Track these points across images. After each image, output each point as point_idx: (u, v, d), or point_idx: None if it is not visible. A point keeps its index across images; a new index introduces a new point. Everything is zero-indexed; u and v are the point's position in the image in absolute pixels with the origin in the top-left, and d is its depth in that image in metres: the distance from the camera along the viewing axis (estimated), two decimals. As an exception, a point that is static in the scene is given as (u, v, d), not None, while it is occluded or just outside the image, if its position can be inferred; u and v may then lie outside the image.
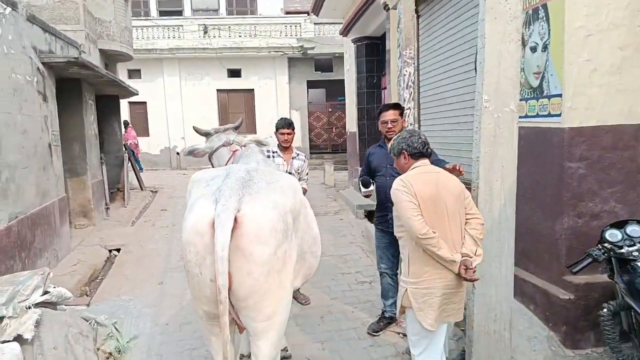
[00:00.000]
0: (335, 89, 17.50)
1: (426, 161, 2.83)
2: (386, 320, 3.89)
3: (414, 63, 4.64)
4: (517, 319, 3.66)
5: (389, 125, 3.67)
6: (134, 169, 11.63)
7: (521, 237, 3.60)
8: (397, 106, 3.80)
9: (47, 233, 5.39)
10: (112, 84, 8.52)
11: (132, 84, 17.74)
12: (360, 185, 3.80)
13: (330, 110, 18.70)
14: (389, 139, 3.52)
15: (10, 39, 4.77)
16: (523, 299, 4.02)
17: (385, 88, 9.10)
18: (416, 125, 5.39)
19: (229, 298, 1.96)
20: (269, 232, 2.01)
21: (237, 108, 17.89)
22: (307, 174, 4.47)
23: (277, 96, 17.59)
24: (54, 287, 3.71)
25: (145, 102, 17.64)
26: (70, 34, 7.59)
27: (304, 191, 4.42)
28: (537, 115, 3.86)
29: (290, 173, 4.29)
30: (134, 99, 17.65)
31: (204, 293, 2.04)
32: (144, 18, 17.29)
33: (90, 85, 8.00)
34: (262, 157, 3.25)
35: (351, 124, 11.25)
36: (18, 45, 4.98)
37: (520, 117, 3.97)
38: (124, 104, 17.36)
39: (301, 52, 16.94)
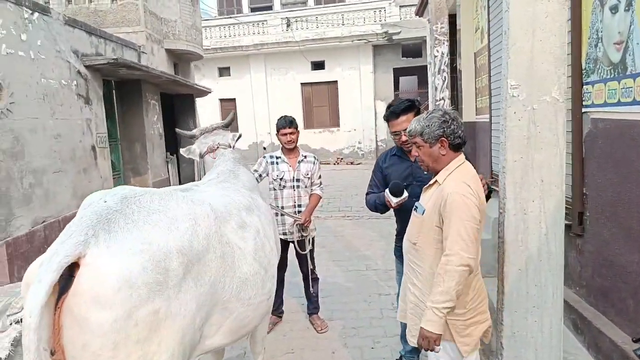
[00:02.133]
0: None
1: (463, 156, 2.12)
2: (403, 370, 3.10)
3: (446, 41, 3.65)
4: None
5: (403, 139, 2.65)
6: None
7: (598, 271, 2.62)
8: (409, 108, 2.64)
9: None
10: (177, 84, 8.60)
11: (223, 81, 18.46)
12: (388, 195, 2.60)
13: (419, 98, 17.39)
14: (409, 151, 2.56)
15: (39, 44, 4.79)
16: (598, 357, 2.94)
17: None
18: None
19: None
20: (114, 289, 1.44)
21: (321, 101, 17.54)
22: (319, 177, 3.81)
23: (360, 87, 16.84)
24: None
25: (234, 99, 18.12)
26: (131, 35, 7.74)
27: (317, 199, 3.78)
28: (619, 103, 2.73)
29: (298, 180, 3.67)
30: (224, 96, 18.39)
31: None
32: (227, 16, 17.67)
33: (153, 86, 8.11)
34: (229, 167, 2.68)
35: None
36: (50, 50, 5.00)
37: (596, 105, 2.89)
38: (214, 101, 18.11)
39: (386, 39, 15.95)
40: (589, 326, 2.99)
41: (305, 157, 3.75)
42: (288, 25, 16.81)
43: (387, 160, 2.94)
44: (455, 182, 1.95)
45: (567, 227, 3.40)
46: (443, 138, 2.02)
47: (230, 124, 3.26)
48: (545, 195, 2.21)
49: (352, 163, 16.19)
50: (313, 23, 16.78)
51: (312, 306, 3.91)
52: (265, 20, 17.11)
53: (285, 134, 3.61)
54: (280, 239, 3.65)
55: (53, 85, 5.02)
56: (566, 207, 3.44)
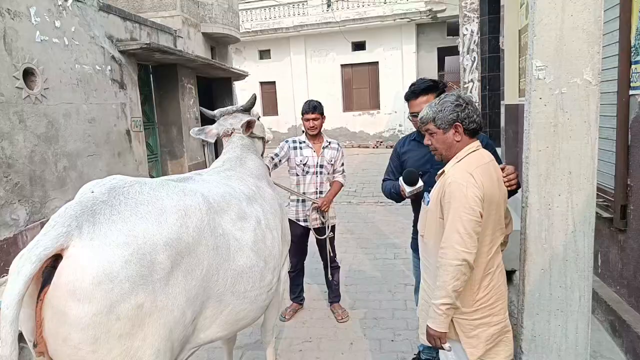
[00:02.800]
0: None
1: (479, 143, 1.96)
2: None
3: (476, 18, 3.36)
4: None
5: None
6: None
7: None
8: (430, 89, 2.43)
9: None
10: (213, 67, 8.64)
11: (263, 64, 18.47)
12: (402, 183, 2.45)
13: (448, 81, 16.70)
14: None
15: (73, 31, 4.90)
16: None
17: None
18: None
19: None
20: (94, 282, 1.40)
21: (361, 83, 17.21)
22: (342, 164, 3.69)
23: (402, 67, 16.36)
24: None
25: (274, 82, 18.13)
26: (168, 20, 7.82)
27: (339, 186, 3.67)
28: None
29: (321, 166, 3.56)
30: (264, 79, 18.42)
31: None
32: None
33: (189, 70, 8.19)
34: (237, 154, 2.60)
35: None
36: (84, 36, 5.11)
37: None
38: (255, 84, 18.19)
39: (430, 17, 15.34)
40: (628, 330, 2.74)
41: (329, 143, 3.64)
42: (328, 6, 16.51)
43: (406, 145, 2.75)
44: (459, 170, 1.80)
45: (609, 221, 3.11)
46: (457, 123, 1.87)
47: (251, 108, 3.11)
48: (573, 188, 1.99)
49: (391, 147, 15.80)
50: (354, 2, 16.37)
51: (333, 295, 3.84)
52: (306, 1, 16.88)
53: (308, 120, 3.51)
54: (300, 225, 3.60)
55: (87, 71, 5.13)
56: (608, 200, 3.17)
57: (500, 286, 2.00)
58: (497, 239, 1.96)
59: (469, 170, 1.77)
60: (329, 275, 3.76)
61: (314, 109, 3.51)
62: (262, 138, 2.98)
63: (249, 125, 2.71)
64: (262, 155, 3.03)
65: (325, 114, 3.64)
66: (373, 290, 4.31)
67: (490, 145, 2.25)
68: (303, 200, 3.59)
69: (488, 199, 1.77)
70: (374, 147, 15.96)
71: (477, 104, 3.19)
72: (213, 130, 2.89)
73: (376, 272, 4.77)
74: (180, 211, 1.71)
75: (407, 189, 2.41)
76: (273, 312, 2.70)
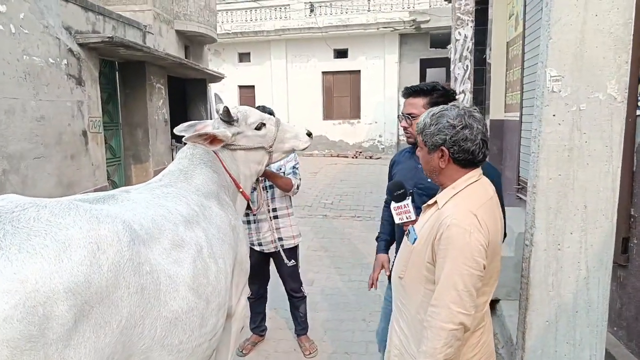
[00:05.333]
0: (453, 68, 15.37)
1: (480, 171, 1.54)
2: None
3: (471, 22, 3.03)
4: None
5: (402, 123, 2.14)
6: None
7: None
8: (422, 92, 2.10)
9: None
10: (186, 67, 8.16)
11: (243, 67, 18.00)
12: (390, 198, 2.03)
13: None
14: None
15: (22, 18, 4.39)
16: None
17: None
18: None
19: None
20: None
21: (342, 91, 16.90)
22: (293, 167, 3.05)
23: (384, 77, 16.11)
24: None
25: (253, 86, 17.67)
26: (138, 14, 7.33)
27: (289, 181, 2.97)
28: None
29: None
30: (243, 82, 17.94)
31: None
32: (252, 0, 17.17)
33: (159, 68, 7.69)
34: (183, 166, 2.10)
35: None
36: (35, 25, 4.60)
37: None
38: (234, 88, 17.69)
39: (414, 27, 15.16)
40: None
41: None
42: (311, 10, 16.20)
43: (399, 156, 2.37)
44: (459, 209, 1.39)
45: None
46: (443, 147, 1.45)
47: (228, 120, 2.49)
48: (588, 226, 1.64)
49: (371, 157, 15.53)
50: (337, 9, 16.11)
51: (300, 327, 3.38)
52: (288, 5, 16.53)
53: None
54: (255, 250, 3.09)
55: (38, 63, 4.62)
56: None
57: (490, 343, 1.63)
58: (493, 287, 1.58)
59: (471, 209, 1.37)
60: (296, 308, 3.32)
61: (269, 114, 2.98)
62: (262, 148, 2.35)
63: (212, 141, 2.18)
64: (266, 166, 2.48)
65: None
66: (346, 318, 3.90)
67: (491, 172, 1.74)
68: (255, 221, 3.08)
69: (492, 246, 1.39)
70: (353, 157, 15.62)
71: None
72: (208, 127, 2.30)
73: (350, 296, 4.37)
74: (91, 244, 1.27)
75: (392, 206, 1.89)
76: (224, 353, 2.27)
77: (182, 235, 1.66)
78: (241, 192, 2.33)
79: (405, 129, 2.14)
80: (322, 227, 6.89)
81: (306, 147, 2.55)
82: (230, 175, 2.25)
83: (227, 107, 2.22)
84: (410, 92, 2.13)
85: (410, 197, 1.90)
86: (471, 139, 1.41)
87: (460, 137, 1.41)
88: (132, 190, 1.79)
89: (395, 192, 1.89)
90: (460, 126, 1.41)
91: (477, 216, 1.35)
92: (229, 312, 2.14)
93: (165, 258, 1.55)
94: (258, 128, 2.31)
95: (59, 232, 1.24)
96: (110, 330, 1.30)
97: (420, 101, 2.07)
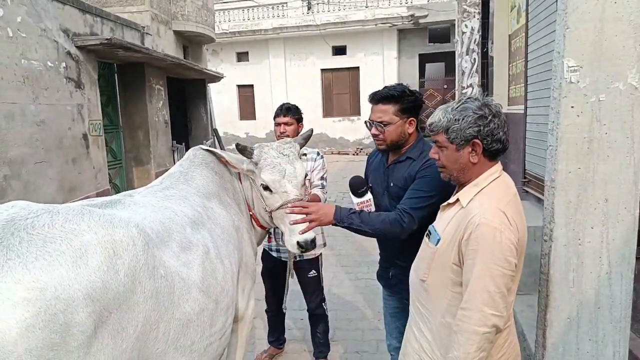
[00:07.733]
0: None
1: (500, 166, 1.52)
2: None
3: (477, 14, 2.98)
4: None
5: (373, 131, 2.02)
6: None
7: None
8: (392, 99, 1.94)
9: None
10: (185, 67, 8.11)
11: (241, 67, 17.93)
12: (351, 195, 2.11)
13: (446, 87, 16.54)
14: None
15: (19, 21, 4.34)
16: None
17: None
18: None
19: None
20: None
21: (341, 88, 16.86)
22: (322, 178, 2.93)
23: (384, 73, 16.06)
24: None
25: (252, 85, 17.63)
26: (136, 16, 7.27)
27: (316, 199, 2.77)
28: None
29: None
30: (242, 82, 17.87)
31: None
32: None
33: (158, 69, 7.64)
34: (183, 168, 2.05)
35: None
36: (33, 28, 4.55)
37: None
38: (232, 87, 17.62)
39: (412, 22, 15.10)
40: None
41: (305, 154, 2.86)
42: (309, 8, 16.13)
43: (374, 157, 2.31)
44: (487, 207, 1.34)
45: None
46: (477, 140, 1.41)
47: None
48: (609, 220, 1.60)
49: (372, 153, 15.51)
50: (335, 5, 16.04)
51: (318, 350, 3.07)
52: (286, 3, 16.47)
53: (279, 124, 2.86)
54: (272, 255, 2.95)
55: (36, 67, 4.57)
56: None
57: (516, 344, 1.58)
58: (517, 285, 1.53)
59: (500, 206, 1.33)
60: (315, 326, 3.04)
61: (286, 110, 2.87)
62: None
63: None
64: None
65: (304, 120, 3.04)
66: (355, 317, 3.86)
67: None
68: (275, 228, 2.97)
69: (521, 244, 1.34)
70: (354, 154, 15.59)
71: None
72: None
73: (358, 294, 4.33)
74: (107, 250, 1.24)
75: (354, 200, 2.04)
76: (236, 354, 2.23)
77: (189, 237, 1.64)
78: (251, 214, 2.25)
79: (375, 136, 2.03)
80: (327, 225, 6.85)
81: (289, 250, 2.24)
82: (244, 196, 2.22)
83: (240, 145, 2.10)
84: (379, 99, 1.99)
85: (370, 192, 2.08)
86: (502, 127, 1.40)
87: (492, 126, 1.39)
88: (135, 194, 1.76)
89: (359, 190, 2.06)
90: (490, 116, 1.39)
91: (505, 214, 1.31)
92: (238, 315, 2.10)
93: (175, 260, 1.53)
94: (265, 187, 2.09)
95: (75, 238, 1.22)
96: (127, 336, 1.28)
97: (390, 108, 1.95)
